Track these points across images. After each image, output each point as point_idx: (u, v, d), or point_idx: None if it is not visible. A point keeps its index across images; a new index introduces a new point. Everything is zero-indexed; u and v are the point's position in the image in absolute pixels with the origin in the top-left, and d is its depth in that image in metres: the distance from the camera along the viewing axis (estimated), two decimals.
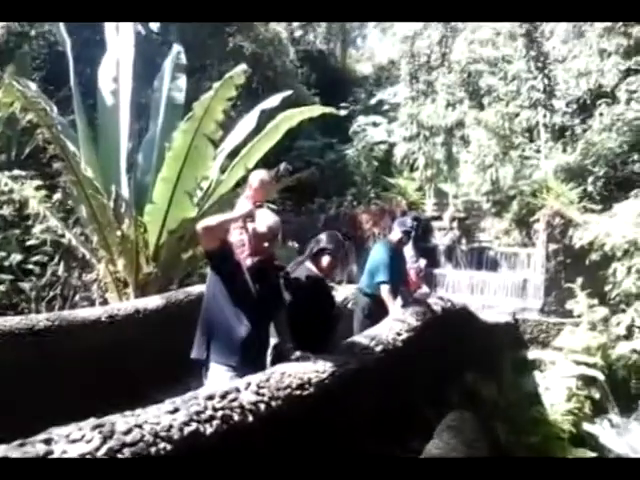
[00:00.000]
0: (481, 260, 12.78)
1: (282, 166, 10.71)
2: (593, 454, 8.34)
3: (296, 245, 11.10)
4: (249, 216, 3.57)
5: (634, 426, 9.29)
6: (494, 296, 11.82)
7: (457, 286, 12.08)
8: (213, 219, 3.44)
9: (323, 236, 4.22)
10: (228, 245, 3.58)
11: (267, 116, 8.55)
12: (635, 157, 12.37)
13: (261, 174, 5.05)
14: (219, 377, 3.31)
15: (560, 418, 8.32)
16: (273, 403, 2.67)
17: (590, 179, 12.39)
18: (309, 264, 4.07)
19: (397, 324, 4.42)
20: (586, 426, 8.68)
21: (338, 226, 12.39)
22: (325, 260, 4.02)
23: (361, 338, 3.96)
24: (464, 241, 13.22)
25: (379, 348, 3.81)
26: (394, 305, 5.66)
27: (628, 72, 13.53)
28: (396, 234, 6.31)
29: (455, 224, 13.29)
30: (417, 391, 4.41)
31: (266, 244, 3.59)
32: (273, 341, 3.73)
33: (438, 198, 14.10)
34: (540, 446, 8.29)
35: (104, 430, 1.98)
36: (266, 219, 3.62)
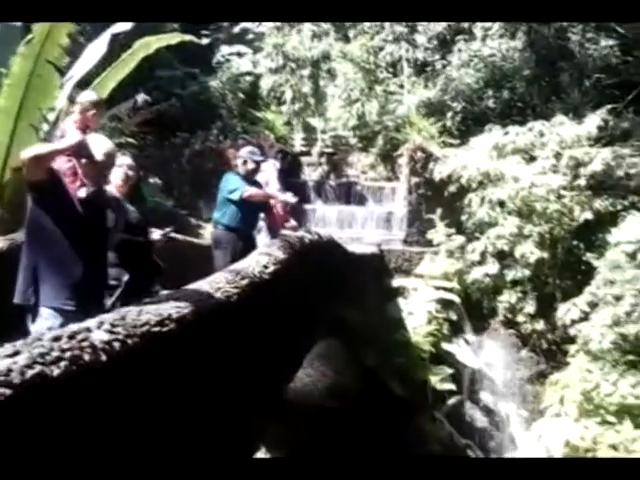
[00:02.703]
0: (349, 194, 13.03)
1: (139, 97, 10.00)
2: (450, 370, 9.06)
3: (159, 181, 10.56)
4: (81, 146, 3.21)
5: (486, 343, 10.17)
6: (362, 229, 12.16)
7: (327, 220, 12.25)
8: (40, 148, 3.11)
9: None
10: (56, 175, 3.19)
11: (123, 45, 7.90)
12: (490, 93, 13.02)
13: (88, 95, 4.61)
14: (52, 323, 3.04)
15: (422, 339, 8.90)
16: (129, 341, 2.47)
17: (449, 114, 12.90)
18: (109, 187, 3.84)
19: (263, 257, 4.30)
20: (445, 345, 9.38)
21: (204, 161, 11.95)
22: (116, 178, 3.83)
23: (226, 272, 3.80)
24: (333, 176, 13.34)
25: (245, 282, 3.67)
26: (275, 193, 5.64)
27: None
28: (240, 165, 6.26)
29: (324, 159, 13.34)
30: (286, 322, 4.38)
31: (106, 173, 3.29)
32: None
33: (306, 133, 13.99)
34: (404, 366, 8.86)
35: None
36: (101, 145, 3.29)
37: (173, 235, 6.82)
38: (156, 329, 2.68)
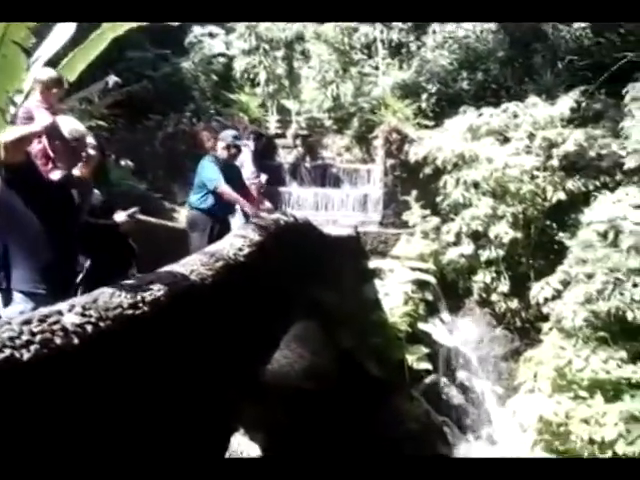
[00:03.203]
0: (324, 177, 12.98)
1: (110, 79, 9.77)
2: (427, 350, 9.17)
3: (131, 164, 10.37)
4: (53, 128, 3.17)
5: (462, 322, 10.30)
6: (337, 211, 12.15)
7: (302, 203, 12.21)
8: (18, 130, 3.08)
9: None
10: (30, 158, 3.16)
11: (92, 25, 7.68)
12: (464, 74, 13.04)
13: (48, 72, 4.49)
14: (24, 307, 3.00)
15: (398, 320, 8.98)
16: (102, 324, 2.45)
17: (424, 96, 12.90)
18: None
19: (238, 240, 4.27)
20: (421, 325, 9.48)
21: (177, 144, 11.79)
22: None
23: (200, 255, 3.77)
24: (308, 158, 13.28)
25: (219, 264, 3.65)
26: (244, 201, 5.62)
27: None
28: (221, 149, 6.22)
29: (299, 141, 13.25)
30: (261, 304, 4.37)
31: (83, 154, 3.24)
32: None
33: (281, 115, 13.87)
34: (381, 347, 8.93)
35: None
36: (71, 127, 3.27)
37: (146, 218, 6.74)
38: (129, 312, 2.66)
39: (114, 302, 2.63)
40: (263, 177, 7.98)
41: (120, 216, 4.03)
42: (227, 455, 8.52)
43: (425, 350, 9.21)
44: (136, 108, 11.64)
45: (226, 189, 5.85)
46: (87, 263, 3.81)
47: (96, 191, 4.10)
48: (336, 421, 7.85)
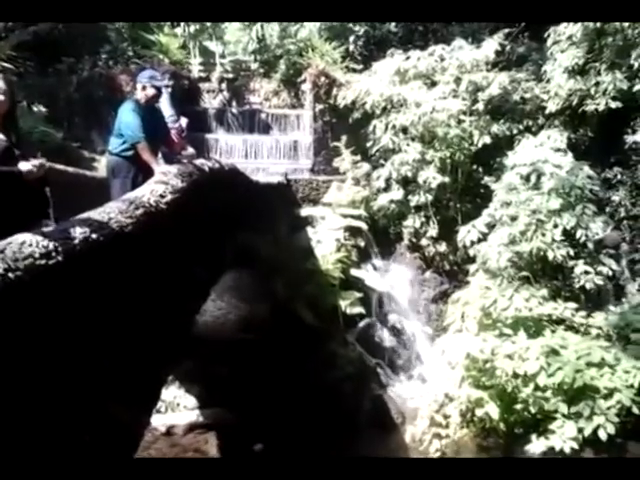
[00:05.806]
0: (253, 123, 12.57)
1: None
2: (359, 295, 9.28)
3: (43, 110, 9.68)
4: None
5: (393, 267, 10.46)
6: (267, 159, 11.87)
7: (231, 150, 11.83)
8: None
9: None
10: None
11: None
12: None
13: None
14: None
15: (331, 267, 9.00)
16: (11, 275, 2.26)
17: (352, 38, 12.64)
18: None
19: (160, 186, 4.03)
20: (353, 271, 9.55)
21: (94, 89, 11.06)
22: None
23: (118, 202, 3.52)
24: (234, 103, 12.81)
25: (140, 211, 3.43)
26: (158, 165, 5.31)
27: None
28: (139, 91, 5.88)
29: (224, 85, 12.72)
30: (188, 253, 4.19)
31: None
32: None
33: (204, 57, 13.20)
34: (315, 294, 8.96)
35: None
36: None
37: (63, 168, 6.31)
38: (42, 262, 2.48)
39: (24, 252, 2.44)
40: (183, 121, 7.62)
41: (25, 165, 3.68)
42: (162, 407, 8.42)
43: (358, 295, 9.32)
44: (46, 50, 10.79)
45: (145, 148, 5.50)
46: None
47: (0, 136, 3.74)
48: (272, 369, 7.86)
